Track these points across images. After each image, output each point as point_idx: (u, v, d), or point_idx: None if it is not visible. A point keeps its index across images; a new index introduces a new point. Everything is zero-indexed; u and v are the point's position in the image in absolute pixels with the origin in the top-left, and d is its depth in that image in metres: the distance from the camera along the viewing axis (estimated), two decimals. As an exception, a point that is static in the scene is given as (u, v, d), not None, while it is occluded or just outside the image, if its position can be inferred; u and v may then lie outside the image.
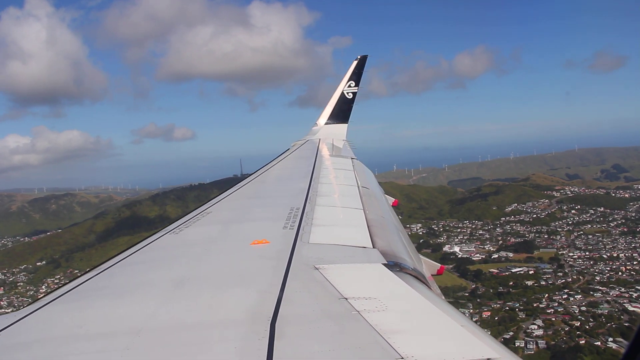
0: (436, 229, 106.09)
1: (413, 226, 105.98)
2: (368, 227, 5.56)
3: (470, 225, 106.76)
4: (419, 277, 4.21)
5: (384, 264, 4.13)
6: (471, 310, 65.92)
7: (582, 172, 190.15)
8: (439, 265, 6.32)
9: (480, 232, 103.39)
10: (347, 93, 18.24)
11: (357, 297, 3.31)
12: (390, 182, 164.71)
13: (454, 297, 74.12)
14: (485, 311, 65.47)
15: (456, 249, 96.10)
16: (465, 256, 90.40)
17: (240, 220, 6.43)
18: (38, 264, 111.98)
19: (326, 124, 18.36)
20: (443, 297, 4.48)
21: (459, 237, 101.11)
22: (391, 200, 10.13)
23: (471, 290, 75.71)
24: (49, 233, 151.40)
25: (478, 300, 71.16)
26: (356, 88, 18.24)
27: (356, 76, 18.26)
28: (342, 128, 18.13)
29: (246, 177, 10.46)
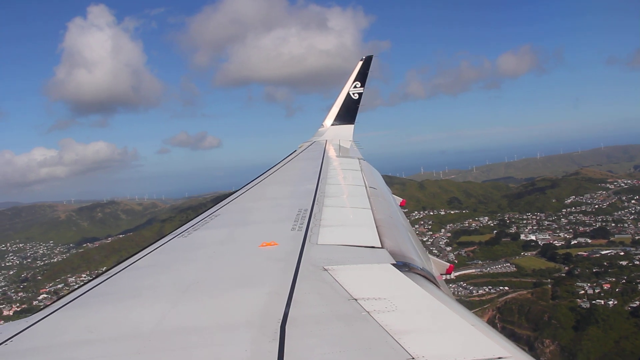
0: (504, 220, 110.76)
1: (482, 219, 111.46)
2: (376, 227, 5.58)
3: (534, 217, 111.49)
4: (428, 277, 4.25)
5: (393, 264, 4.15)
6: (589, 284, 71.14)
7: (614, 169, 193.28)
8: (448, 264, 6.43)
9: (547, 222, 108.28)
10: (353, 94, 18.23)
11: (366, 297, 3.34)
12: (447, 179, 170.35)
13: (552, 278, 79.23)
14: (605, 283, 70.57)
15: (532, 237, 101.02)
16: (545, 243, 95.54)
17: (248, 223, 6.48)
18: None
19: (332, 125, 18.36)
20: (453, 297, 4.45)
21: (528, 228, 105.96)
22: (399, 200, 10.19)
23: (567, 272, 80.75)
24: (110, 239, 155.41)
25: (579, 280, 76.02)
26: (362, 89, 18.23)
27: (362, 77, 18.25)
28: (348, 129, 18.10)
29: None
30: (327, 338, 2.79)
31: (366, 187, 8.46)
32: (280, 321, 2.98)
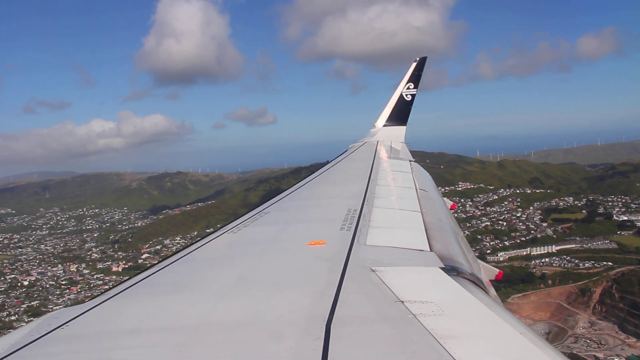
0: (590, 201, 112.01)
1: (567, 199, 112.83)
2: (425, 230, 5.54)
3: (620, 200, 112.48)
4: (476, 282, 4.19)
5: (441, 268, 4.10)
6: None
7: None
8: (497, 270, 6.27)
9: (634, 205, 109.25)
10: (406, 95, 18.11)
11: (413, 300, 3.31)
12: (525, 160, 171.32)
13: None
14: None
15: (624, 217, 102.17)
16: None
17: (297, 221, 6.51)
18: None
19: (384, 125, 18.36)
20: (501, 303, 4.38)
21: (615, 209, 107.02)
22: (449, 203, 10.03)
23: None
24: (188, 206, 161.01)
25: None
26: (415, 90, 18.08)
27: (415, 78, 18.07)
28: (400, 130, 17.99)
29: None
30: (372, 339, 2.79)
31: (416, 190, 8.40)
32: (326, 320, 2.98)
